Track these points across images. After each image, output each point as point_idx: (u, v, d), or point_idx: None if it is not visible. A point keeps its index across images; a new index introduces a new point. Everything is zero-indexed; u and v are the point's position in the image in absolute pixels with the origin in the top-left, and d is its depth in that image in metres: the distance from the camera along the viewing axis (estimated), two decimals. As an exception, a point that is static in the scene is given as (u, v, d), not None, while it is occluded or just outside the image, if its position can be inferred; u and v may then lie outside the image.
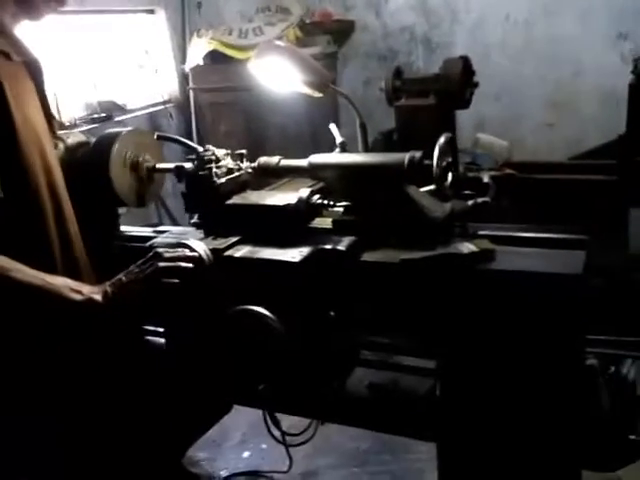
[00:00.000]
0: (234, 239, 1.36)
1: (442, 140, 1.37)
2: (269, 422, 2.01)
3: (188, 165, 1.49)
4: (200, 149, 1.45)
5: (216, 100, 4.23)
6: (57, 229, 1.37)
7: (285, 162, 1.56)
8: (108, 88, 4.02)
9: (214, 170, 1.42)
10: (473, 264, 1.26)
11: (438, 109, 3.01)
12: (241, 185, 1.51)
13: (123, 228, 1.89)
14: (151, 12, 4.38)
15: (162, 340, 1.87)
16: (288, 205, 1.36)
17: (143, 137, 1.83)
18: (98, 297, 1.24)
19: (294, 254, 1.26)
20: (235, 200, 1.45)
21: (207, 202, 1.45)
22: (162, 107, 4.40)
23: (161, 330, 1.84)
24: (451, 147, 1.41)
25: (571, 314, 1.18)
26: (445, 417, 1.36)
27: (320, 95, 1.70)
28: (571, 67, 3.61)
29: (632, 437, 1.23)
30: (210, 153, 1.44)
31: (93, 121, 3.73)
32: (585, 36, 3.55)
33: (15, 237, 1.26)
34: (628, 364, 1.40)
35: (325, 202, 1.37)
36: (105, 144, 1.71)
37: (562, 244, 1.32)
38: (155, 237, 1.76)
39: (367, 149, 1.71)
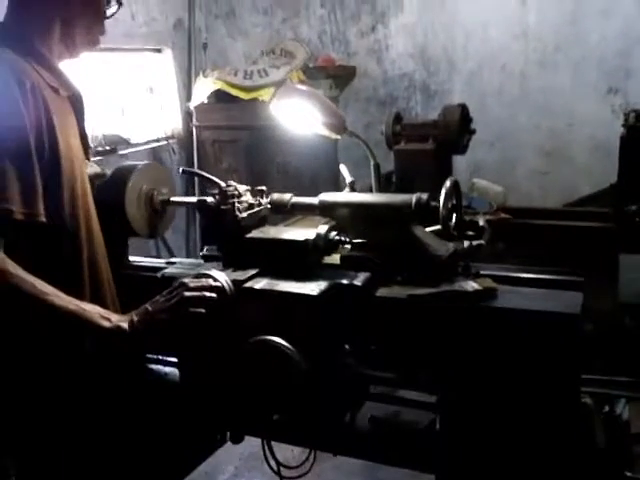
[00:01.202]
0: (253, 271, 1.41)
1: (448, 183, 1.45)
2: (267, 453, 2.03)
3: (209, 199, 1.55)
4: (223, 184, 1.52)
5: (218, 137, 4.33)
6: (88, 254, 1.42)
7: (296, 199, 1.63)
8: (113, 122, 4.12)
9: (236, 205, 1.48)
10: (477, 301, 1.32)
11: (436, 154, 3.13)
12: (260, 220, 1.57)
13: (132, 258, 1.95)
14: (158, 51, 4.52)
15: (164, 368, 1.91)
16: (307, 240, 1.41)
17: (158, 171, 1.91)
18: (125, 325, 1.27)
19: (312, 287, 1.31)
20: (255, 234, 1.50)
21: (228, 235, 1.50)
22: (165, 142, 4.51)
23: (163, 358, 1.87)
24: (456, 190, 1.49)
25: (568, 352, 1.24)
26: (444, 450, 1.40)
27: (338, 137, 1.79)
28: (564, 118, 3.75)
29: (628, 474, 1.27)
30: (232, 188, 1.50)
31: (97, 153, 3.82)
32: (578, 89, 3.70)
33: (48, 260, 1.31)
34: (622, 404, 1.45)
35: (342, 239, 1.43)
36: (122, 176, 1.78)
37: (560, 285, 1.38)
38: (165, 267, 1.82)
39: (380, 189, 1.79)
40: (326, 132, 1.77)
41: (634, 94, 3.49)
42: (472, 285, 1.36)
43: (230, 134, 4.26)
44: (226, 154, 4.30)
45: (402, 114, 3.28)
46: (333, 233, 1.43)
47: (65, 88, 1.42)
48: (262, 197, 1.59)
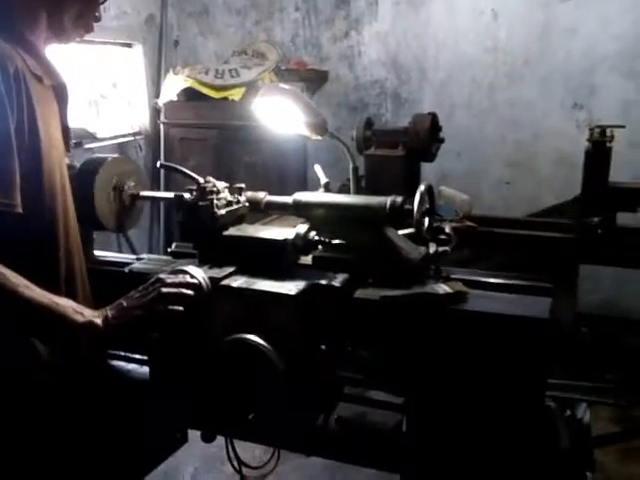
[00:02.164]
0: (230, 269, 1.39)
1: (423, 187, 1.46)
2: (230, 452, 2.01)
3: (187, 195, 1.53)
4: (201, 180, 1.50)
5: (187, 135, 4.29)
6: (65, 248, 1.39)
7: (270, 198, 1.62)
8: (79, 115, 4.04)
9: (215, 201, 1.47)
10: (448, 304, 1.33)
11: (406, 160, 3.16)
12: (238, 218, 1.55)
13: (97, 252, 1.91)
14: (129, 46, 4.46)
15: (127, 365, 1.87)
16: (286, 240, 1.40)
17: (128, 165, 1.88)
18: (98, 321, 1.23)
19: (291, 287, 1.30)
20: (232, 232, 1.49)
21: (205, 232, 1.48)
22: (132, 138, 4.44)
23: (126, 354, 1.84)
24: (429, 195, 1.50)
25: (536, 356, 1.26)
26: (410, 450, 1.41)
27: (319, 138, 1.79)
28: (530, 130, 3.84)
29: (589, 474, 1.30)
30: (211, 185, 1.49)
31: (62, 146, 3.72)
32: (544, 104, 3.79)
33: (24, 252, 1.26)
34: (583, 408, 1.48)
35: (321, 239, 1.43)
36: (91, 169, 1.74)
37: (530, 291, 1.41)
38: (132, 263, 1.78)
39: (358, 191, 1.79)
40: (307, 132, 1.77)
41: (597, 110, 3.59)
42: (443, 288, 1.37)
43: (198, 132, 4.22)
44: (194, 152, 4.26)
45: (373, 120, 3.31)
46: (312, 233, 1.43)
47: (49, 77, 1.37)
48: (240, 195, 1.58)
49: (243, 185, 1.59)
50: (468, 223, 3.26)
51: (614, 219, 2.79)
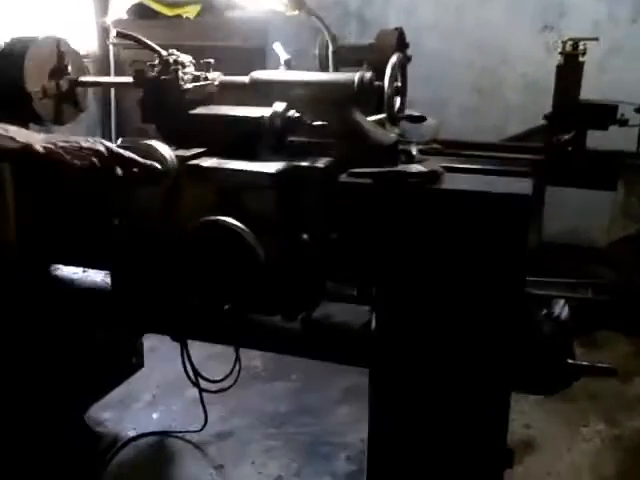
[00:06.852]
0: (199, 150, 1.26)
1: (394, 59, 1.32)
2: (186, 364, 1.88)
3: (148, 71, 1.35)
4: (163, 52, 1.32)
5: (139, 57, 4.00)
6: None
7: (225, 78, 1.46)
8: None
9: (180, 74, 1.29)
10: (423, 183, 1.21)
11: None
12: (206, 97, 1.39)
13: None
14: (72, -42, 4.10)
15: (72, 275, 1.72)
16: (263, 117, 1.25)
17: (62, 46, 1.67)
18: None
19: (269, 167, 1.17)
20: (201, 110, 1.33)
21: (170, 110, 1.31)
22: (79, 62, 4.13)
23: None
24: (401, 70, 1.37)
25: (519, 236, 1.16)
26: (380, 344, 1.30)
27: (295, 13, 1.64)
28: (498, 55, 3.70)
29: (570, 362, 1.22)
30: (175, 57, 1.31)
31: None
32: (512, 26, 3.64)
33: None
34: (560, 304, 1.40)
35: (303, 118, 1.26)
36: (18, 50, 1.54)
37: (507, 175, 1.30)
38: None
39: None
40: (282, 6, 1.60)
41: (568, 32, 3.46)
42: (417, 167, 1.25)
43: (152, 54, 3.94)
44: (146, 76, 4.00)
45: (337, 37, 3.13)
46: (292, 112, 1.26)
47: None
48: (209, 71, 1.40)
49: (212, 60, 1.42)
50: (435, 145, 3.16)
51: (584, 136, 2.72)
